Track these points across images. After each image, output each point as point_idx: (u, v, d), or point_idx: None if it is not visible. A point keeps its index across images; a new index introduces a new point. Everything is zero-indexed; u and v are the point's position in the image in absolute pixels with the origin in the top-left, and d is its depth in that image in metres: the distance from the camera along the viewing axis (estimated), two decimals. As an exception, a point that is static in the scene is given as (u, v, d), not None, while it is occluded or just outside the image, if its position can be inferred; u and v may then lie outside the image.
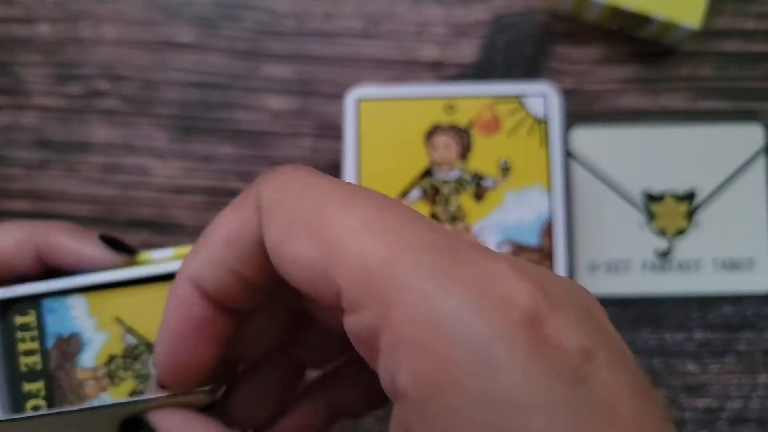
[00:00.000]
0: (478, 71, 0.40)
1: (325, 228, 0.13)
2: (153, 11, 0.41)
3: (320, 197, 0.13)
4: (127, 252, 0.22)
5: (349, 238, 0.12)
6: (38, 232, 0.22)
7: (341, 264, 0.12)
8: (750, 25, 0.40)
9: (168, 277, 0.22)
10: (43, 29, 0.41)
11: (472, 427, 0.10)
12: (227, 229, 0.15)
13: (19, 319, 0.22)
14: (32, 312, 0.23)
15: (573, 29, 0.40)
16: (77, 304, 0.22)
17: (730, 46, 0.40)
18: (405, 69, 0.40)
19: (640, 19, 0.38)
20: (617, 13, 0.38)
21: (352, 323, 0.13)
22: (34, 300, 0.22)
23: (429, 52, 0.40)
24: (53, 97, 0.41)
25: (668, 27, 0.37)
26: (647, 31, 0.39)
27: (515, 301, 0.11)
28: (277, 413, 0.20)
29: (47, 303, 0.23)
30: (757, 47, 0.40)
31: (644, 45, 0.40)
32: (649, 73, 0.40)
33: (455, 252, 0.12)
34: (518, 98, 0.35)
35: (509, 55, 0.40)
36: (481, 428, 0.10)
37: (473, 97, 0.36)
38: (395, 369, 0.12)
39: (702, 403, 0.37)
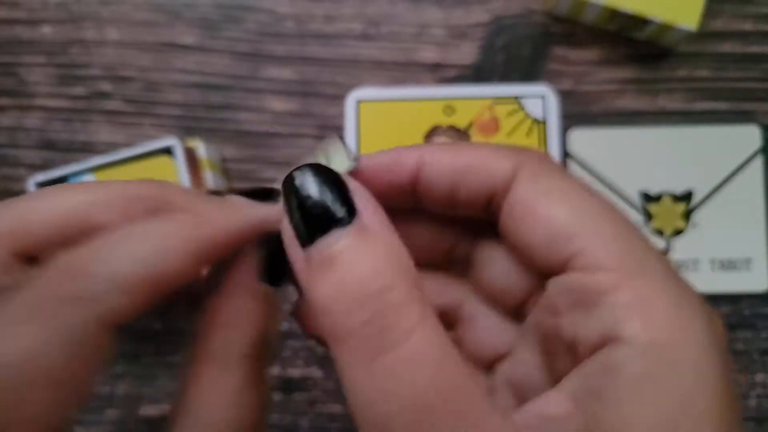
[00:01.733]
0: (477, 73, 0.40)
1: (583, 201, 0.15)
2: (155, 13, 0.41)
3: (577, 181, 0.16)
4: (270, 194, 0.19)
5: (603, 216, 0.15)
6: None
7: (596, 232, 0.15)
8: (747, 26, 0.40)
9: (164, 152, 0.35)
10: (47, 31, 0.41)
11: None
12: None
13: None
14: None
15: (571, 31, 0.40)
16: (89, 179, 0.35)
17: (728, 47, 0.40)
18: (405, 70, 0.40)
19: (638, 21, 0.38)
20: (615, 14, 0.38)
21: (576, 279, 0.15)
22: (62, 179, 0.36)
23: (428, 53, 0.40)
24: (57, 98, 0.41)
25: (665, 28, 0.38)
26: (645, 33, 0.39)
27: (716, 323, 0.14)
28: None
29: (72, 179, 0.36)
30: (755, 48, 0.40)
31: (642, 46, 0.40)
32: (646, 75, 0.40)
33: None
34: (517, 99, 0.36)
35: (508, 56, 0.40)
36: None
37: (472, 98, 0.36)
38: (625, 318, 0.14)
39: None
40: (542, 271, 0.16)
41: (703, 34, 0.40)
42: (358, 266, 0.13)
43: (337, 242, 0.14)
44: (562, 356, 0.15)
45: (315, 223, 0.14)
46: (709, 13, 0.40)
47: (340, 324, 0.13)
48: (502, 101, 0.36)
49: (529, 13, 0.41)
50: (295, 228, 0.14)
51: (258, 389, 0.17)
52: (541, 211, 0.16)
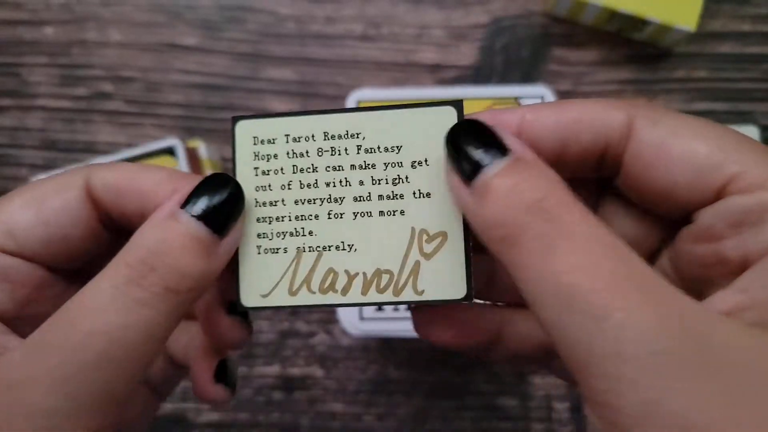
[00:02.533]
0: (477, 73, 0.40)
1: (714, 132, 0.16)
2: (156, 14, 0.41)
3: (698, 118, 0.16)
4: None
5: (740, 142, 0.16)
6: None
7: (740, 157, 0.15)
8: (746, 27, 0.40)
9: (166, 152, 0.36)
10: (49, 31, 0.42)
11: None
12: None
13: None
14: None
15: (570, 32, 0.41)
16: None
17: (726, 48, 0.40)
18: (405, 71, 0.41)
19: (637, 22, 0.38)
20: (614, 15, 0.38)
21: (736, 202, 0.15)
22: None
23: (428, 54, 0.41)
24: (58, 98, 0.41)
25: (664, 29, 0.38)
26: (643, 34, 0.39)
27: None
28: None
29: None
30: (753, 49, 0.40)
31: (640, 47, 0.40)
32: (645, 75, 0.40)
33: None
34: (516, 100, 0.36)
35: (507, 57, 0.41)
36: None
37: (472, 99, 0.36)
38: None
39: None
40: (686, 208, 0.16)
41: (701, 35, 0.40)
42: (523, 181, 0.15)
43: (501, 169, 0.15)
44: (714, 281, 0.16)
45: (475, 164, 0.15)
46: (707, 13, 0.40)
47: (512, 229, 0.14)
48: (501, 102, 0.36)
49: (528, 14, 0.41)
50: (461, 170, 0.16)
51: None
52: (677, 148, 0.16)
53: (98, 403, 0.15)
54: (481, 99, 0.37)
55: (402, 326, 0.33)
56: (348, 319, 0.33)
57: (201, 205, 0.17)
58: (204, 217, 0.16)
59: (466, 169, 0.16)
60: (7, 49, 0.42)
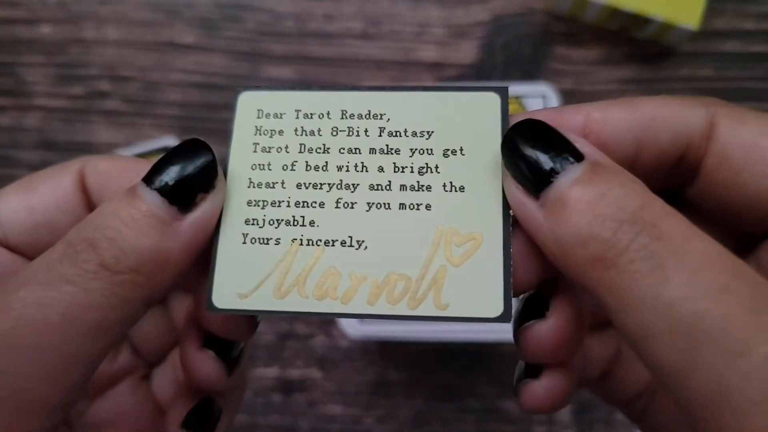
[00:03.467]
0: (478, 71, 0.40)
1: None
2: (154, 12, 0.41)
3: None
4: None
5: None
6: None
7: None
8: (749, 25, 0.40)
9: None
10: (46, 30, 0.41)
11: None
12: None
13: None
14: None
15: (572, 30, 0.40)
16: None
17: (729, 46, 0.40)
18: (405, 69, 0.40)
19: (639, 20, 0.38)
20: (616, 13, 0.38)
21: None
22: None
23: (429, 52, 0.40)
24: (56, 98, 0.41)
25: (667, 28, 0.37)
26: (646, 32, 0.39)
27: None
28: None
29: None
30: (757, 48, 0.40)
31: (643, 45, 0.40)
32: (648, 74, 0.40)
33: None
34: (518, 99, 0.36)
35: (508, 55, 0.40)
36: None
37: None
38: None
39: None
40: None
41: (704, 34, 0.40)
42: (609, 190, 0.13)
43: (578, 178, 0.13)
44: None
45: (544, 173, 0.13)
46: (710, 12, 0.40)
47: (607, 247, 0.12)
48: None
49: (529, 12, 0.40)
50: (525, 179, 0.14)
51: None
52: None
53: (7, 398, 0.13)
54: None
55: (402, 328, 0.33)
56: (347, 320, 0.33)
57: (163, 176, 0.14)
58: (163, 189, 0.14)
59: (531, 178, 0.13)
60: (4, 48, 0.41)
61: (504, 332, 0.32)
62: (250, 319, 0.17)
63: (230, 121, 0.16)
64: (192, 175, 0.14)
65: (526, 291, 0.15)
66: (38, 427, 0.13)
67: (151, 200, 0.14)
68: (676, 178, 0.16)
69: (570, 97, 0.39)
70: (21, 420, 0.13)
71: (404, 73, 0.40)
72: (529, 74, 0.40)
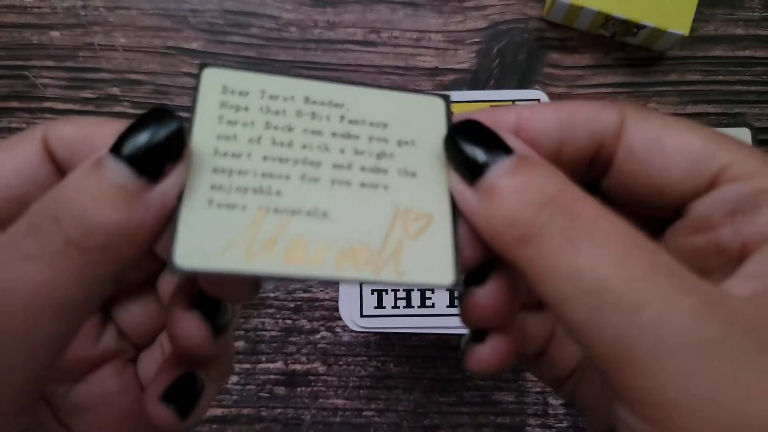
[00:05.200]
0: (474, 77, 0.41)
1: (702, 129, 0.16)
2: (162, 18, 0.42)
3: (681, 118, 0.17)
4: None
5: (727, 139, 0.16)
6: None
7: (731, 149, 0.16)
8: (738, 30, 0.41)
9: None
10: (56, 35, 0.43)
11: None
12: None
13: None
14: None
15: (566, 36, 0.41)
16: None
17: (719, 51, 0.41)
18: (405, 75, 0.41)
19: (631, 27, 0.39)
20: (608, 20, 0.39)
21: (731, 190, 0.15)
22: None
23: (428, 58, 0.42)
24: (66, 101, 0.42)
25: (658, 34, 0.39)
26: (637, 38, 0.40)
27: None
28: None
29: None
30: (745, 52, 0.41)
31: (634, 51, 0.41)
32: (639, 79, 0.41)
33: None
34: (513, 103, 0.37)
35: (504, 61, 0.41)
36: None
37: (469, 102, 0.37)
38: None
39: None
40: (680, 202, 0.16)
41: (694, 39, 0.41)
42: (532, 180, 0.14)
43: (507, 169, 0.15)
44: (712, 271, 0.16)
45: (478, 166, 0.15)
46: (700, 18, 0.41)
47: (528, 227, 0.14)
48: (498, 105, 0.37)
49: (524, 19, 0.42)
50: (463, 171, 0.15)
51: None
52: (671, 141, 0.16)
53: None
54: (478, 102, 0.37)
55: (402, 322, 0.34)
56: (348, 314, 0.34)
57: (130, 145, 0.14)
58: (131, 159, 0.13)
59: (468, 169, 0.15)
60: (15, 52, 0.42)
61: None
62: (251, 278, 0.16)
63: (193, 94, 0.16)
64: (161, 145, 0.14)
65: (472, 268, 0.16)
66: (8, 410, 0.13)
67: (118, 171, 0.13)
68: (593, 171, 0.17)
69: (563, 101, 0.40)
70: None
71: (404, 79, 0.41)
72: (524, 79, 0.41)
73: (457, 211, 0.16)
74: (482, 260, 0.16)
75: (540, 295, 0.14)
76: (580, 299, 0.13)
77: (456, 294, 0.17)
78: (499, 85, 0.41)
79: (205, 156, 0.15)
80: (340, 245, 0.15)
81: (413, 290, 0.34)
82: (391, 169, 0.16)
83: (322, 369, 0.40)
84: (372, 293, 0.34)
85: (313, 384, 0.40)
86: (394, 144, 0.17)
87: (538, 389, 0.40)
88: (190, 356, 0.17)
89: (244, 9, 0.42)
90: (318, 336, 0.40)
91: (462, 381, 0.40)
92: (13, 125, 0.42)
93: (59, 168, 0.16)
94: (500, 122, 0.16)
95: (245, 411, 0.40)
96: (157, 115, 0.14)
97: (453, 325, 0.34)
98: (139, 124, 0.14)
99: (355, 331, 0.36)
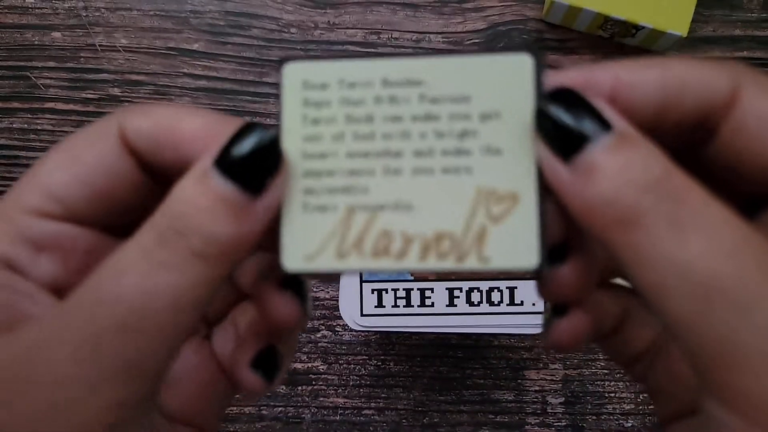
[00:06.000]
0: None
1: None
2: (163, 20, 0.43)
3: None
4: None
5: None
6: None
7: None
8: (737, 31, 0.41)
9: None
10: (57, 36, 0.43)
11: None
12: None
13: None
14: None
15: (565, 37, 0.42)
16: None
17: (718, 52, 0.41)
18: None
19: (630, 28, 0.39)
20: (607, 21, 0.39)
21: None
22: None
23: (427, 59, 0.42)
24: (68, 102, 0.42)
25: (656, 35, 0.39)
26: (636, 39, 0.40)
27: None
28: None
29: None
30: (744, 53, 0.41)
31: (633, 52, 0.41)
32: (638, 79, 0.41)
33: None
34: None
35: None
36: None
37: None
38: None
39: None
40: None
41: (693, 40, 0.41)
42: (635, 160, 0.14)
43: (608, 146, 0.14)
44: None
45: (574, 139, 0.14)
46: (699, 19, 0.41)
47: (630, 210, 0.13)
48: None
49: (524, 20, 0.42)
50: (556, 145, 0.15)
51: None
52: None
53: (121, 373, 0.14)
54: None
55: (402, 321, 0.34)
56: (349, 314, 0.34)
57: (233, 160, 0.15)
58: (235, 175, 0.15)
59: (562, 144, 0.14)
60: (16, 53, 0.43)
61: (497, 326, 0.34)
62: None
63: (278, 94, 0.17)
64: (261, 160, 0.15)
65: (553, 244, 0.16)
66: (147, 394, 0.15)
67: (225, 187, 0.15)
68: (689, 138, 0.16)
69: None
70: (131, 386, 0.14)
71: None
72: (524, 80, 0.41)
73: (544, 188, 0.15)
74: (563, 238, 0.16)
75: (635, 281, 0.14)
76: (685, 291, 0.13)
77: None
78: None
79: (295, 160, 0.16)
80: (423, 236, 0.16)
81: (413, 290, 0.34)
82: (475, 149, 0.16)
83: (322, 368, 0.40)
84: (372, 293, 0.35)
85: (313, 382, 0.40)
86: (476, 119, 0.16)
87: (537, 388, 0.40)
88: (279, 330, 0.18)
89: (245, 10, 0.42)
90: (319, 335, 0.40)
91: (461, 380, 0.40)
92: (15, 125, 0.42)
93: (140, 161, 0.17)
94: (595, 86, 0.15)
95: (246, 409, 0.40)
96: (254, 130, 0.15)
97: (452, 324, 0.34)
98: (237, 139, 0.15)
99: (356, 330, 0.36)
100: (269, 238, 0.16)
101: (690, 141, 0.16)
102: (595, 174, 0.14)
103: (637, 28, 0.39)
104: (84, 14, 0.43)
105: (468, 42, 0.42)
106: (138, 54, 0.42)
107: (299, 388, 0.40)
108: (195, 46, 0.42)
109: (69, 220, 0.17)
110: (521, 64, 0.16)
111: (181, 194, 0.15)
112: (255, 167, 0.15)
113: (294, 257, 0.16)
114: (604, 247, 0.14)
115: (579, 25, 0.41)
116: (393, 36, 0.42)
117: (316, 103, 0.16)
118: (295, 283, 0.17)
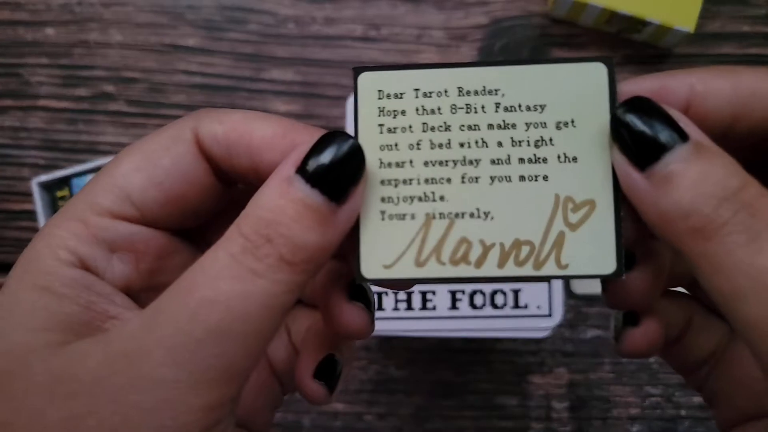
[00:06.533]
0: (478, 74, 0.41)
1: None
2: (158, 15, 0.42)
3: None
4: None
5: None
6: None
7: None
8: (745, 28, 0.41)
9: None
10: (50, 32, 0.42)
11: None
12: None
13: (59, 193, 0.39)
14: (66, 188, 0.39)
15: (570, 33, 0.41)
16: None
17: (726, 48, 0.41)
18: (405, 72, 0.41)
19: (636, 23, 0.38)
20: (613, 17, 0.38)
21: None
22: (66, 180, 0.39)
23: (429, 55, 0.41)
24: (60, 99, 0.41)
25: (663, 30, 0.38)
26: (643, 35, 0.39)
27: None
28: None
29: (75, 181, 0.38)
30: (753, 50, 0.41)
31: (640, 48, 0.41)
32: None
33: None
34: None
35: (507, 58, 0.41)
36: None
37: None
38: None
39: (698, 399, 0.38)
40: None
41: (700, 36, 0.40)
42: (711, 171, 0.14)
43: (685, 157, 0.14)
44: None
45: (651, 148, 0.15)
46: (706, 14, 0.40)
47: (708, 221, 0.14)
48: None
49: (527, 15, 0.41)
50: (632, 154, 0.15)
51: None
52: None
53: (214, 377, 0.14)
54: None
55: (403, 325, 0.33)
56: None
57: (317, 169, 0.15)
58: (319, 183, 0.15)
59: (639, 153, 0.15)
60: (8, 49, 0.42)
61: (501, 329, 0.33)
62: None
63: (351, 102, 0.17)
64: (344, 169, 0.15)
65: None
66: (234, 395, 0.15)
67: (311, 197, 0.15)
68: (759, 148, 0.16)
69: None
70: (226, 387, 0.15)
71: (405, 76, 0.41)
72: (528, 76, 0.40)
73: (619, 198, 0.16)
74: (635, 245, 0.16)
75: (710, 287, 0.14)
76: (761, 298, 0.13)
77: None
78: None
79: (372, 169, 0.16)
80: (502, 243, 0.16)
81: (413, 292, 0.33)
82: (551, 157, 0.16)
83: (321, 372, 0.39)
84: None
85: (312, 388, 0.39)
86: (552, 127, 0.16)
87: (541, 393, 0.39)
88: (349, 337, 0.19)
89: (241, 5, 0.41)
90: (317, 339, 0.39)
91: (464, 384, 0.39)
92: (6, 123, 0.41)
93: (214, 166, 0.17)
94: (670, 96, 0.16)
95: (243, 415, 0.39)
96: (337, 139, 0.16)
97: (455, 327, 0.33)
98: (319, 147, 0.15)
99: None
100: (341, 246, 0.16)
101: (759, 150, 0.16)
102: (671, 184, 0.14)
103: (644, 23, 0.38)
104: (77, 10, 0.42)
105: (471, 38, 0.41)
106: (133, 50, 0.41)
107: (297, 393, 0.39)
108: (191, 42, 0.41)
109: (143, 223, 0.17)
110: (596, 72, 0.16)
111: (267, 202, 0.15)
112: (338, 175, 0.15)
113: (372, 266, 0.16)
114: (679, 255, 0.14)
115: (585, 20, 0.40)
116: (393, 31, 0.41)
117: (392, 111, 0.17)
118: (362, 292, 0.18)
